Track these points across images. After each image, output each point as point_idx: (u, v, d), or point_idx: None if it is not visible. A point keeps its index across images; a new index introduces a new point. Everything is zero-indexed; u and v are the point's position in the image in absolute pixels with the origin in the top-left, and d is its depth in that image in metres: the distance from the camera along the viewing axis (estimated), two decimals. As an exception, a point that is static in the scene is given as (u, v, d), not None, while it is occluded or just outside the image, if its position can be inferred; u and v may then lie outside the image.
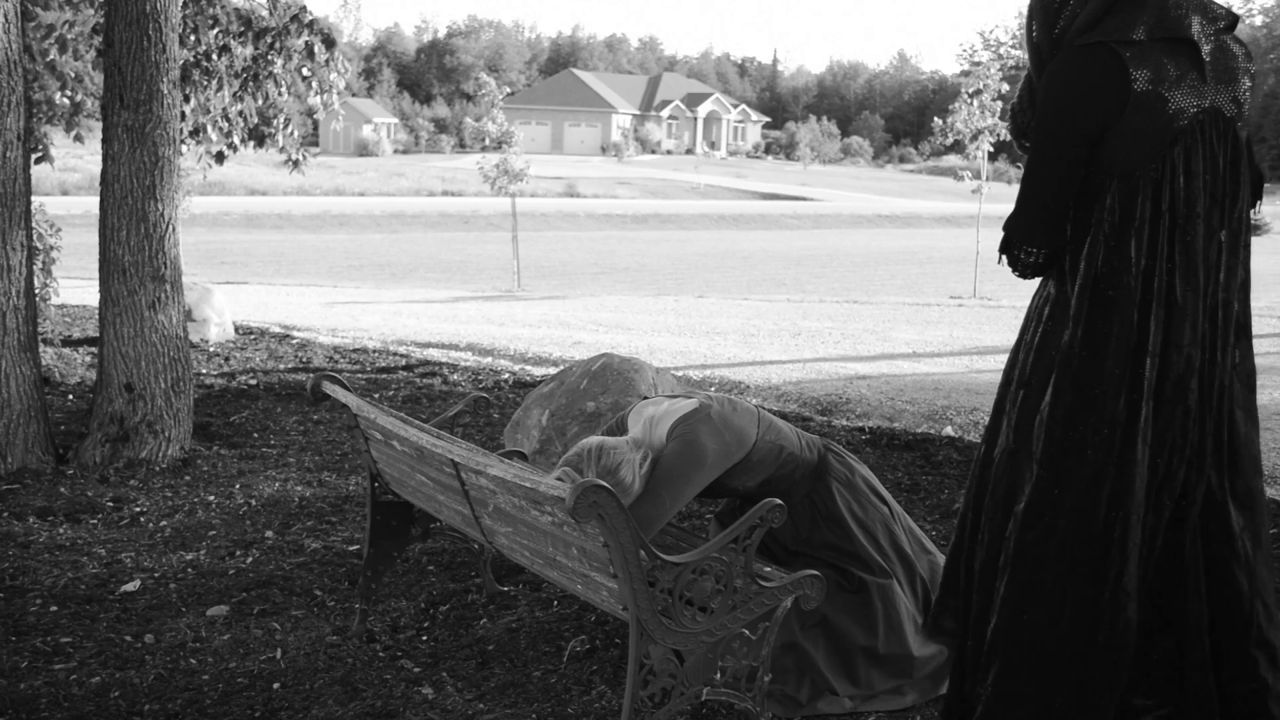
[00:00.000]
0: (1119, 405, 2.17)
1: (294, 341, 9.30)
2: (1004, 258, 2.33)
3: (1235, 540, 2.25)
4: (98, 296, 5.41)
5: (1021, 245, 2.26)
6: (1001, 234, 2.32)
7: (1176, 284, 2.17)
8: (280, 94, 7.94)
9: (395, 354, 8.76)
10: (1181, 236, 2.17)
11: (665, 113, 79.14)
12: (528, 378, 7.67)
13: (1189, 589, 2.23)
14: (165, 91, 5.22)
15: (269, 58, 7.77)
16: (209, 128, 7.92)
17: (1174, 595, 2.24)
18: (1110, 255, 2.18)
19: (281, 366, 8.03)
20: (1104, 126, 2.14)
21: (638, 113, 78.68)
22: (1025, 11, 2.31)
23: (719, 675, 2.50)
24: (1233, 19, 2.21)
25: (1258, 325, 11.49)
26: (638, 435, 2.94)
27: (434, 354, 8.89)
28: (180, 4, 5.48)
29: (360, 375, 7.67)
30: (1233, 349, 2.25)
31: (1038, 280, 2.37)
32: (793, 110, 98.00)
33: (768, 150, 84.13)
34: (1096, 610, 2.19)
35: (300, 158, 8.77)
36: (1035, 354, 2.29)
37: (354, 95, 70.26)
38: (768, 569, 2.69)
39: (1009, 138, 3.04)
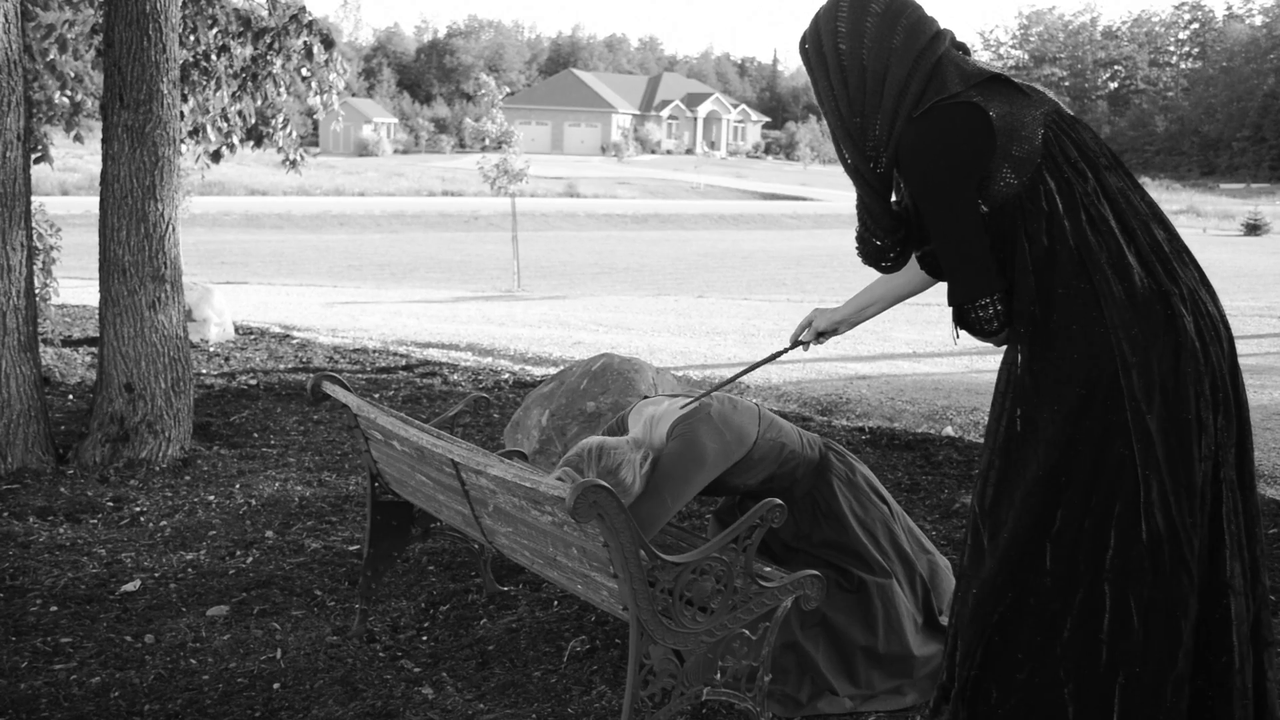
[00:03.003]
0: (1115, 386, 2.17)
1: (294, 341, 9.30)
2: (962, 332, 2.33)
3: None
4: (98, 296, 5.41)
5: (975, 302, 2.25)
6: (951, 312, 2.31)
7: (1125, 250, 2.19)
8: (279, 94, 7.94)
9: (395, 354, 8.76)
10: (1101, 209, 2.21)
11: (665, 113, 79.13)
12: (528, 378, 7.67)
13: (1225, 548, 2.22)
14: (165, 91, 5.22)
15: (268, 58, 7.77)
16: (208, 128, 7.92)
17: (1207, 557, 2.22)
18: (1051, 260, 2.20)
19: (281, 366, 8.03)
20: (984, 161, 2.20)
21: (638, 113, 78.68)
22: (832, 139, 2.34)
23: (719, 675, 2.50)
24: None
25: (1258, 325, 11.50)
26: (638, 435, 2.94)
27: (434, 354, 8.89)
28: (180, 4, 5.48)
29: (360, 375, 7.67)
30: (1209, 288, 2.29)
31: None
32: (793, 110, 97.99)
33: (768, 150, 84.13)
34: (1162, 601, 2.18)
35: (298, 158, 8.76)
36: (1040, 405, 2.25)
37: (354, 95, 70.27)
38: (768, 569, 2.69)
39: None
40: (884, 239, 2.36)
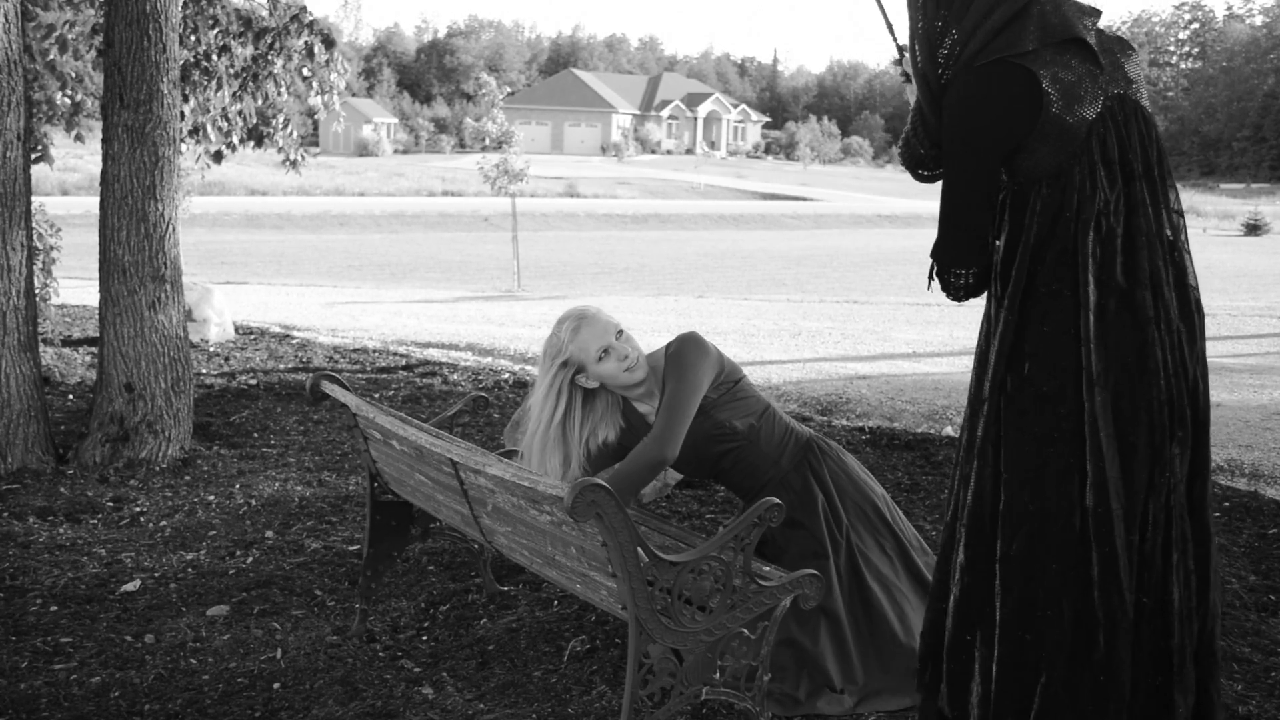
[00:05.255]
0: (1070, 395, 2.17)
1: (294, 341, 9.30)
2: (934, 283, 2.33)
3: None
4: (98, 296, 5.41)
5: (950, 269, 2.25)
6: (930, 261, 2.31)
7: (1117, 268, 2.17)
8: (280, 94, 7.94)
9: (395, 354, 8.76)
10: (1111, 222, 2.19)
11: (665, 113, 79.15)
12: (528, 378, 7.66)
13: (1173, 573, 2.23)
14: (165, 91, 5.23)
15: (269, 58, 7.77)
16: (209, 127, 7.92)
17: (1159, 580, 2.24)
18: (1042, 255, 2.20)
19: (281, 366, 8.03)
20: (1020, 138, 2.16)
21: (638, 113, 78.69)
22: (909, 38, 2.29)
23: (718, 675, 2.50)
24: (1097, 11, 2.25)
25: (1258, 325, 11.50)
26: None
27: (434, 354, 8.89)
28: (180, 4, 5.49)
29: (360, 375, 7.67)
30: (1200, 325, 2.27)
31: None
32: (793, 110, 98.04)
33: (768, 150, 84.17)
34: (1092, 613, 2.19)
35: (298, 158, 8.76)
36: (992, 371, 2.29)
37: (354, 95, 70.29)
38: (766, 568, 2.69)
39: None
40: (929, 149, 2.34)
